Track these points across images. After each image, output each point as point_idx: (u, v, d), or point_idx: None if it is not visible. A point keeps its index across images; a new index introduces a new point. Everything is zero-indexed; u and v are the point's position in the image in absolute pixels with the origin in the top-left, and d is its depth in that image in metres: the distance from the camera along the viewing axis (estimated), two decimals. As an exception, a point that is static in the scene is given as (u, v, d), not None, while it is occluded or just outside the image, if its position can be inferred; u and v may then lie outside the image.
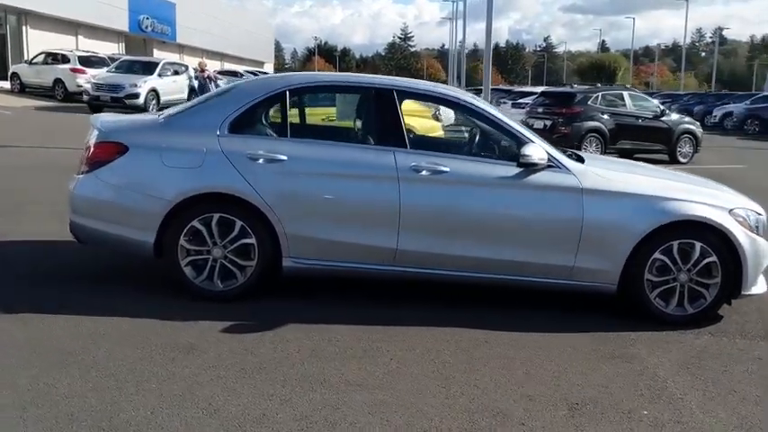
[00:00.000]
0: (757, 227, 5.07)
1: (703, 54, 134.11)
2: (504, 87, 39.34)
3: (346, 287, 5.32)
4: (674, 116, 16.95)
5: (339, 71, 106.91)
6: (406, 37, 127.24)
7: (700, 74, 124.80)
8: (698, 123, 17.75)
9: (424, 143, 5.11)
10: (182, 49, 47.47)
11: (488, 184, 4.91)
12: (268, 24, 79.50)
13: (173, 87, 23.20)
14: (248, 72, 48.33)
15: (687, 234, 4.92)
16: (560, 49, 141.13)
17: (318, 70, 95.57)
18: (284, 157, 4.85)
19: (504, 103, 23.36)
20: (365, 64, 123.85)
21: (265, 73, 53.14)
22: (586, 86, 17.18)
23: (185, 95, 23.75)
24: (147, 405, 3.47)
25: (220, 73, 33.21)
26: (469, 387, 3.86)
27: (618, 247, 4.89)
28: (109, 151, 4.92)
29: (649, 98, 17.52)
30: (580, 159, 5.25)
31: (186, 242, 4.86)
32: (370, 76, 5.39)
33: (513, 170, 4.93)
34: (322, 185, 4.86)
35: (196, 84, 23.31)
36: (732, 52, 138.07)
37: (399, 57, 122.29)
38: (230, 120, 4.96)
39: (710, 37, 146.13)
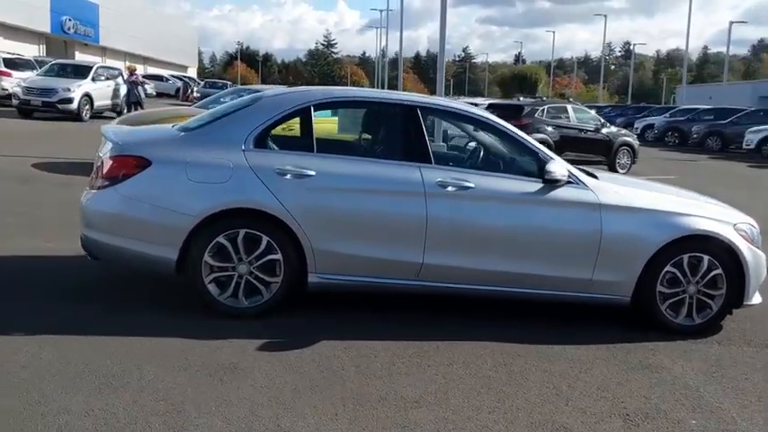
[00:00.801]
0: (755, 240, 5.36)
1: (613, 67, 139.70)
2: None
3: (362, 301, 5.31)
4: (613, 129, 17.60)
5: (261, 76, 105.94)
6: (329, 44, 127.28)
7: (611, 86, 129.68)
8: (635, 136, 18.50)
9: (447, 159, 5.15)
10: (104, 51, 46.12)
11: (512, 199, 5.01)
12: (191, 27, 78.03)
13: (106, 92, 22.49)
14: (173, 76, 47.53)
15: (696, 248, 5.14)
16: (479, 60, 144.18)
17: (241, 75, 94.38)
18: (312, 173, 4.82)
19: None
20: (287, 70, 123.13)
21: (191, 77, 52.29)
22: (532, 99, 17.64)
23: (120, 101, 23.10)
24: (214, 429, 3.40)
25: (145, 77, 32.48)
26: (522, 401, 3.93)
27: (633, 260, 5.07)
28: (129, 165, 4.77)
29: (590, 111, 18.13)
30: (592, 176, 5.41)
31: (211, 258, 4.76)
32: (390, 92, 5.42)
33: (534, 186, 5.04)
34: (350, 201, 4.86)
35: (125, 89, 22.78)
36: (639, 66, 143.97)
37: (323, 63, 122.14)
38: (255, 134, 4.90)
39: (619, 51, 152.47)
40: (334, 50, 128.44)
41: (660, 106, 43.39)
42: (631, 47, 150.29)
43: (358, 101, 5.46)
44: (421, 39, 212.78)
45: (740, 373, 4.58)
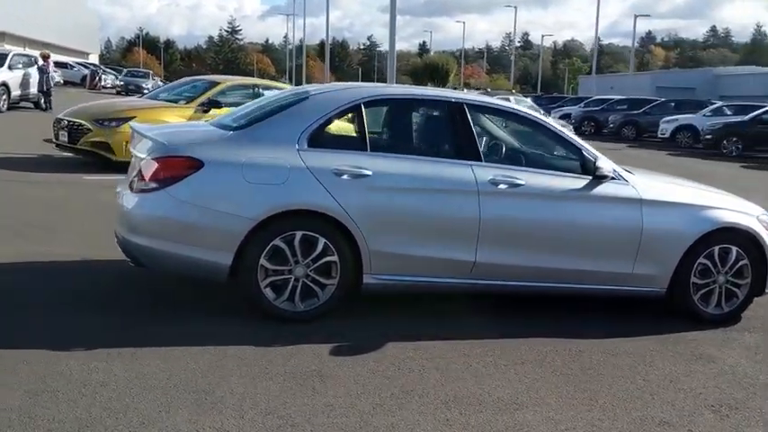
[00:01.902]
0: (776, 231, 5.63)
1: (513, 57, 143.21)
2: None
3: (407, 300, 5.26)
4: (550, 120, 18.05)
5: (163, 64, 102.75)
6: (233, 30, 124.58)
7: (511, 75, 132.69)
8: (571, 127, 19.05)
9: (494, 156, 5.15)
10: (2, 37, 43.47)
11: (560, 195, 5.07)
12: (91, 11, 74.62)
13: (24, 81, 21.22)
14: (78, 63, 45.34)
15: (726, 239, 5.35)
16: (383, 49, 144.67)
17: (142, 62, 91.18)
18: (369, 172, 4.71)
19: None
20: (190, 57, 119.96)
21: (95, 65, 50.07)
22: (478, 92, 17.86)
23: (36, 90, 21.90)
24: (339, 442, 3.30)
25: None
26: (611, 397, 3.99)
27: (670, 253, 5.23)
28: (180, 166, 4.53)
29: (532, 103, 18.55)
30: (628, 172, 5.53)
31: (267, 262, 4.60)
32: (434, 89, 5.36)
33: (580, 182, 5.12)
34: (406, 200, 4.79)
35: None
36: (536, 56, 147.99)
37: (227, 50, 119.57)
38: (308, 133, 4.75)
39: (519, 42, 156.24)
40: (239, 37, 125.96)
41: (574, 96, 44.88)
42: (529, 37, 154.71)
43: (408, 98, 5.37)
44: (323, 26, 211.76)
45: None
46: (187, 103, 11.60)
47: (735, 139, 23.30)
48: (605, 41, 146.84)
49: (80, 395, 3.55)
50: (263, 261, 4.58)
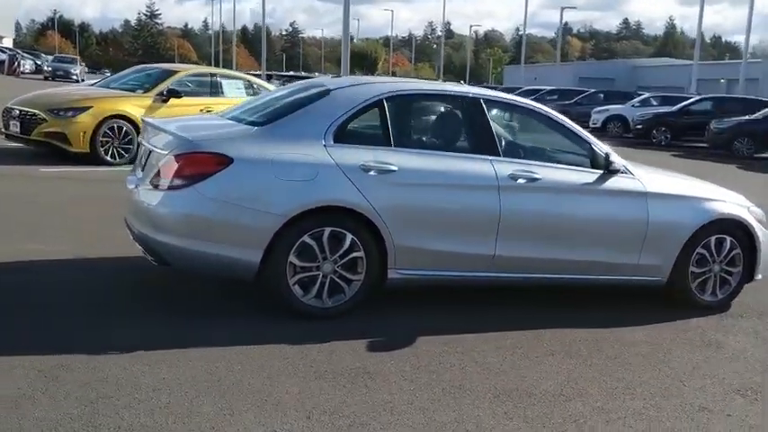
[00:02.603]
0: (762, 221, 5.92)
1: (435, 46, 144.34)
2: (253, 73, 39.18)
3: (424, 295, 5.30)
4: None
5: (79, 48, 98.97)
6: (152, 14, 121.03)
7: (436, 66, 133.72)
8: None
9: (510, 151, 5.22)
10: None
11: (574, 189, 5.20)
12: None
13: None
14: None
15: (722, 230, 5.60)
16: (306, 35, 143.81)
17: (57, 47, 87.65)
18: (395, 168, 4.72)
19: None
20: (107, 41, 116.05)
21: (11, 49, 47.81)
22: (453, 83, 17.87)
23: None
24: (412, 439, 3.32)
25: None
26: (647, 385, 4.13)
27: (672, 243, 5.44)
28: (210, 163, 4.43)
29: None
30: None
31: (296, 258, 4.55)
32: (452, 84, 5.39)
33: (592, 176, 5.27)
34: (430, 196, 4.82)
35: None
36: (460, 46, 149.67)
37: (146, 35, 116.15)
38: (334, 128, 4.71)
39: (441, 31, 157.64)
40: (158, 21, 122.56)
41: (506, 87, 45.58)
42: (451, 26, 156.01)
43: (428, 93, 5.38)
44: (244, 12, 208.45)
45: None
46: (145, 92, 11.27)
47: (664, 128, 24.25)
48: (522, 32, 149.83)
49: (136, 401, 3.45)
50: (292, 258, 4.54)
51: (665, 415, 3.78)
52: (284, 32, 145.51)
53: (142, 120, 5.18)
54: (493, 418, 3.58)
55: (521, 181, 5.02)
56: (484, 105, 5.15)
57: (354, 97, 4.91)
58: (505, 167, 5.01)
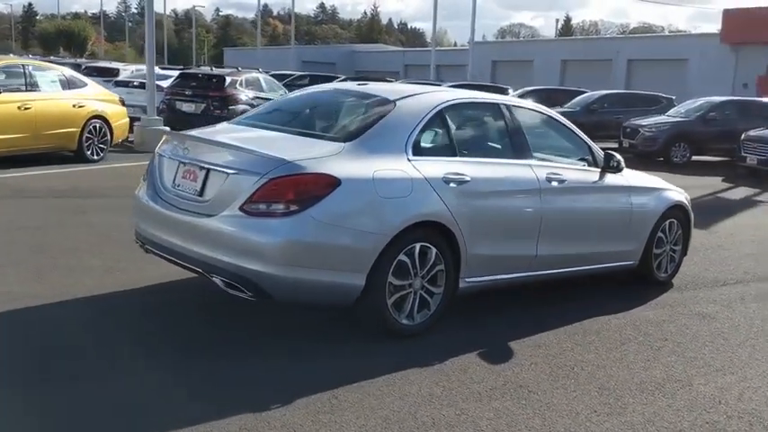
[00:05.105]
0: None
1: (130, 24, 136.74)
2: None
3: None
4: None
5: None
6: None
7: (135, 45, 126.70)
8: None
9: (538, 155, 5.45)
10: None
11: (587, 187, 5.65)
12: None
13: None
14: None
15: (672, 215, 6.44)
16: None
17: None
18: (468, 178, 4.74)
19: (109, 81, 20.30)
20: None
21: None
22: (230, 69, 17.15)
23: None
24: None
25: None
26: (716, 361, 4.66)
27: (645, 230, 6.15)
28: (320, 184, 4.08)
29: (276, 82, 18.46)
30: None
31: (393, 278, 4.40)
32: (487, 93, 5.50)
33: (595, 174, 5.74)
34: (495, 203, 4.93)
35: None
36: (159, 24, 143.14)
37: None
38: (411, 141, 4.60)
39: (136, 8, 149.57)
40: None
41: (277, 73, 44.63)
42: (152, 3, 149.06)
43: (474, 102, 5.35)
44: None
45: (758, 307, 5.94)
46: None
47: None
48: (224, 12, 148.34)
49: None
50: (390, 278, 4.37)
51: (765, 383, 4.36)
52: None
53: (186, 135, 4.56)
54: (609, 408, 3.85)
55: (554, 183, 5.31)
56: (514, 112, 5.35)
57: (420, 108, 4.81)
58: (541, 171, 5.27)
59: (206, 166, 4.34)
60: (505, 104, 5.41)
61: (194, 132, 4.78)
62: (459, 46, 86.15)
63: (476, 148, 5.16)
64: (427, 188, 4.50)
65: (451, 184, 4.64)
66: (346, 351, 4.35)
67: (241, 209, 4.10)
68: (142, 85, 16.36)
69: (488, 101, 5.50)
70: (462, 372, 4.15)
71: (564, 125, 5.83)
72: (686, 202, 6.56)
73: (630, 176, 6.09)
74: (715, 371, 4.51)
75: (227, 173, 4.22)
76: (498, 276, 5.10)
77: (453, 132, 4.92)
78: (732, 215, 11.00)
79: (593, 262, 5.81)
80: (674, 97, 22.38)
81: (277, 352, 4.27)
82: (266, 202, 4.05)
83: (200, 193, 4.35)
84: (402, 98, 4.89)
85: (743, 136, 16.42)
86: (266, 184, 4.06)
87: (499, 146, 5.27)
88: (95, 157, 11.78)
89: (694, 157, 17.68)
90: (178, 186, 4.52)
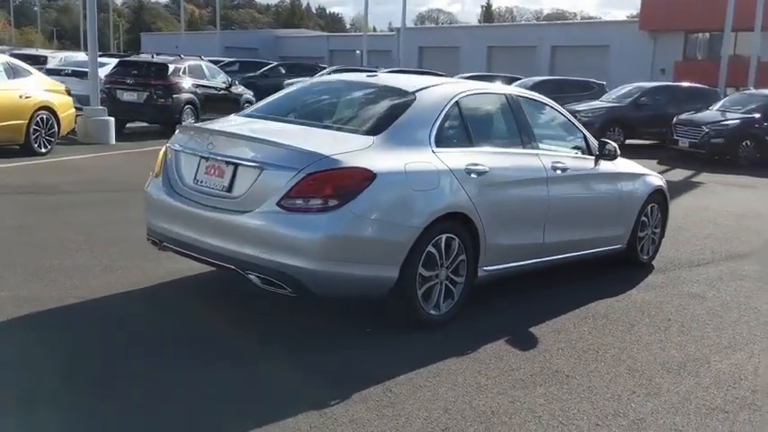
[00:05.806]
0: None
1: (36, 9, 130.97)
2: None
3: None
4: (240, 88, 18.00)
5: None
6: None
7: (45, 30, 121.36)
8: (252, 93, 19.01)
9: (541, 144, 5.54)
10: None
11: (585, 174, 5.82)
12: None
13: None
14: None
15: (654, 199, 6.70)
16: None
17: None
18: (487, 168, 4.80)
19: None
20: None
21: None
22: (172, 56, 16.64)
23: None
24: None
25: None
26: (735, 339, 4.88)
27: (633, 213, 6.37)
28: (357, 178, 4.07)
29: (218, 69, 18.07)
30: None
31: (422, 269, 4.43)
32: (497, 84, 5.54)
33: (591, 161, 5.91)
34: (510, 192, 5.02)
35: None
36: (67, 8, 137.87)
37: None
38: (434, 133, 4.63)
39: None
40: None
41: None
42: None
43: (485, 93, 5.37)
44: None
45: (736, 287, 6.22)
46: None
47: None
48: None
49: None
50: (420, 269, 4.41)
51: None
52: None
53: (209, 130, 4.47)
54: (645, 389, 4.02)
55: (558, 172, 5.44)
56: (521, 102, 5.44)
57: (440, 99, 4.84)
58: (546, 160, 5.39)
59: (234, 161, 4.26)
60: (512, 95, 5.50)
61: (216, 126, 4.67)
62: (380, 31, 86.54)
63: (489, 138, 5.22)
64: (452, 179, 4.55)
65: (472, 175, 4.70)
66: (377, 343, 4.36)
67: (279, 204, 4.04)
68: (75, 74, 15.77)
69: (498, 91, 5.58)
70: (498, 359, 4.23)
71: (562, 114, 5.97)
72: (664, 186, 6.83)
73: (619, 163, 6.29)
74: (725, 348, 4.74)
75: (260, 168, 4.16)
76: (511, 264, 5.20)
77: (469, 123, 4.97)
78: (679, 196, 11.42)
79: (590, 247, 5.99)
80: (605, 83, 23.11)
81: (310, 346, 4.25)
82: (304, 197, 4.02)
83: (229, 189, 4.27)
84: (419, 90, 4.91)
85: (675, 120, 17.12)
86: (304, 179, 4.02)
87: (509, 136, 5.36)
88: (43, 150, 11.32)
89: (627, 141, 18.29)
90: (201, 182, 4.42)
